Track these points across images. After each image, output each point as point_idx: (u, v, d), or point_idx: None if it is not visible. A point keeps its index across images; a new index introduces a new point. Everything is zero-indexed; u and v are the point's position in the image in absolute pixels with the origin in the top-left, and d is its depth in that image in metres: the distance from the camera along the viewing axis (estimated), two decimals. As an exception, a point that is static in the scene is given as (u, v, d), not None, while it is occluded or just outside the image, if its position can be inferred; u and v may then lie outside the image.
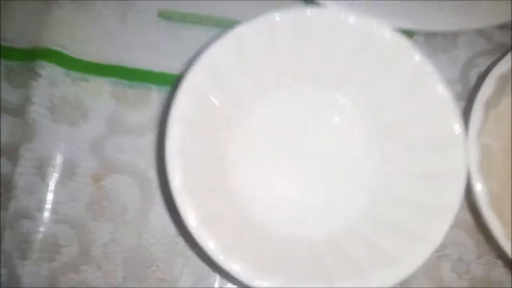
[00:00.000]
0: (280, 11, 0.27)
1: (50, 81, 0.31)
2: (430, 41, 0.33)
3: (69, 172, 0.30)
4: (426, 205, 0.26)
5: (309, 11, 0.27)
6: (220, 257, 0.24)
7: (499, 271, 0.29)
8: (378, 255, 0.26)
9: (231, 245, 0.25)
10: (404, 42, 0.27)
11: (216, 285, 0.29)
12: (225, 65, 0.27)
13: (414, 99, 0.27)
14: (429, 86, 0.26)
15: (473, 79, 0.33)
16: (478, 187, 0.25)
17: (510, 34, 0.34)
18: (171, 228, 0.30)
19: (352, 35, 0.27)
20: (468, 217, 0.30)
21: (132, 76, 0.31)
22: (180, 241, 0.30)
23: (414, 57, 0.27)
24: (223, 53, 0.26)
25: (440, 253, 0.30)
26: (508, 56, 0.28)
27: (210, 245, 0.24)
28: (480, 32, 0.34)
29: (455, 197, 0.25)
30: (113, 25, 0.32)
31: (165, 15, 0.32)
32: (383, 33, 0.27)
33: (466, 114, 0.27)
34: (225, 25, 0.32)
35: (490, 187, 0.27)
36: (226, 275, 0.25)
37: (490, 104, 0.28)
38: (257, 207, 0.28)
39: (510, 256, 0.24)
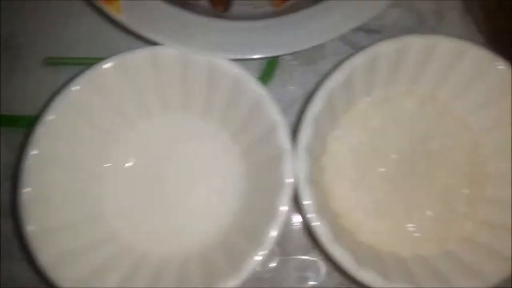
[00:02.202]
0: (133, 50, 0.30)
1: None
2: (297, 56, 0.35)
3: None
4: (265, 211, 0.28)
5: (155, 50, 0.30)
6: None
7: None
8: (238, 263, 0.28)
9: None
10: (246, 76, 0.30)
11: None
12: (87, 100, 0.30)
13: (256, 124, 0.30)
14: (264, 113, 0.29)
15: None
16: (305, 200, 0.27)
17: (373, 38, 0.35)
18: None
19: (200, 70, 0.30)
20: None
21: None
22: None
23: (255, 89, 0.29)
24: (82, 89, 0.29)
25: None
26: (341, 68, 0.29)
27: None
28: (345, 40, 0.35)
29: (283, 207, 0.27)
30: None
31: (51, 62, 0.36)
32: (228, 68, 0.30)
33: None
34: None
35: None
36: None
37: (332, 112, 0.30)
38: (133, 233, 0.31)
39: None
